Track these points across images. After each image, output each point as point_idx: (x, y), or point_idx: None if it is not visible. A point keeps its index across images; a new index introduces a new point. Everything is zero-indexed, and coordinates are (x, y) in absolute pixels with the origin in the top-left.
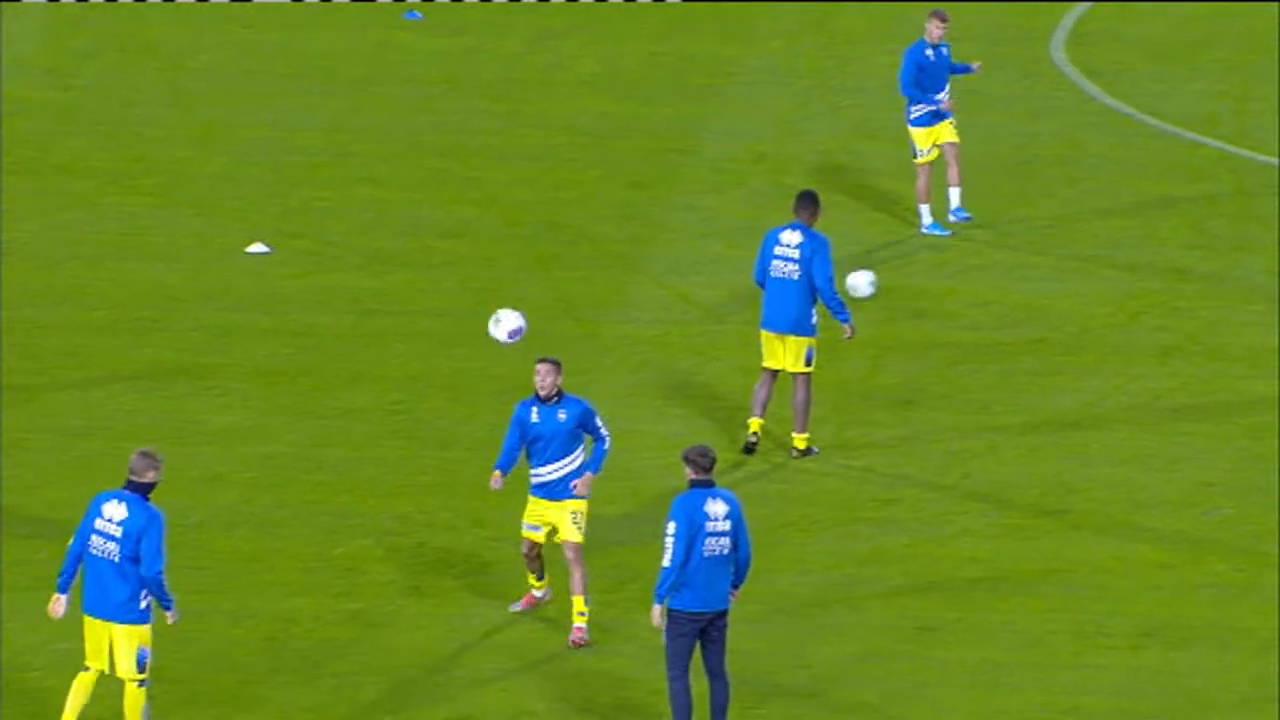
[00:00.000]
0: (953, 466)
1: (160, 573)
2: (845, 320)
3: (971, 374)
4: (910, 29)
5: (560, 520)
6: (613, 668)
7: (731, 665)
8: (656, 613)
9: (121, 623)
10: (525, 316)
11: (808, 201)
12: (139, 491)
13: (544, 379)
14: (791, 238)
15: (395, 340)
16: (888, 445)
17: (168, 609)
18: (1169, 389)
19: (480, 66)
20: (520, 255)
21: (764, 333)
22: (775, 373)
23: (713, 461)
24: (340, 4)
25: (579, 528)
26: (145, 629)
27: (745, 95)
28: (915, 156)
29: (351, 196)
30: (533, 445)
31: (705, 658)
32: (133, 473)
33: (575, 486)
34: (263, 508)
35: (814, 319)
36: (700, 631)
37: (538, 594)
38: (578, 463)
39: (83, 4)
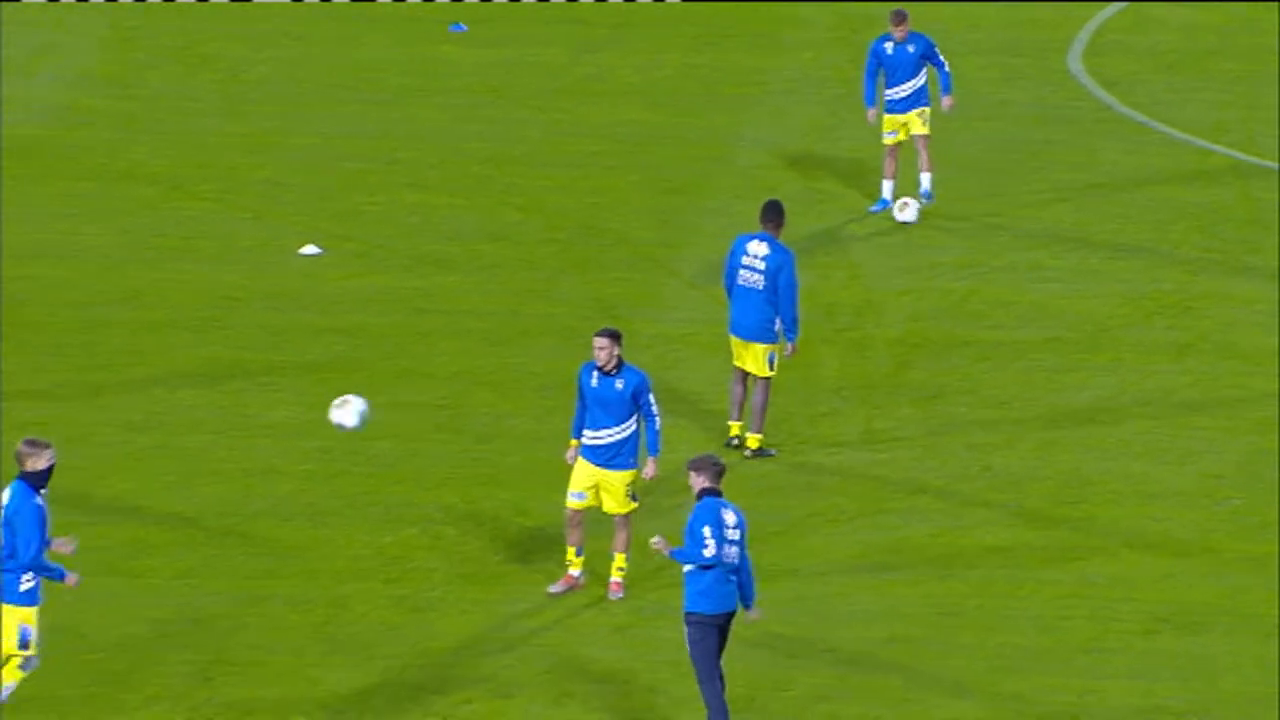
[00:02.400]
0: (975, 459)
1: (32, 559)
2: (792, 339)
3: (993, 371)
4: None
5: (612, 488)
6: (649, 653)
7: (759, 649)
8: (662, 543)
9: (4, 603)
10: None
11: (773, 213)
12: (26, 479)
13: (600, 353)
14: (758, 249)
15: (441, 339)
16: (913, 439)
17: (62, 579)
18: (1181, 385)
19: (522, 77)
20: (560, 258)
21: (731, 337)
22: (744, 374)
23: (724, 471)
24: (388, 18)
25: (631, 498)
26: (27, 610)
27: (776, 104)
28: (882, 139)
29: (399, 201)
30: (591, 410)
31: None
32: (19, 461)
33: (646, 471)
34: (316, 498)
35: (776, 326)
36: (719, 632)
37: (575, 574)
38: (630, 431)
39: (143, 17)
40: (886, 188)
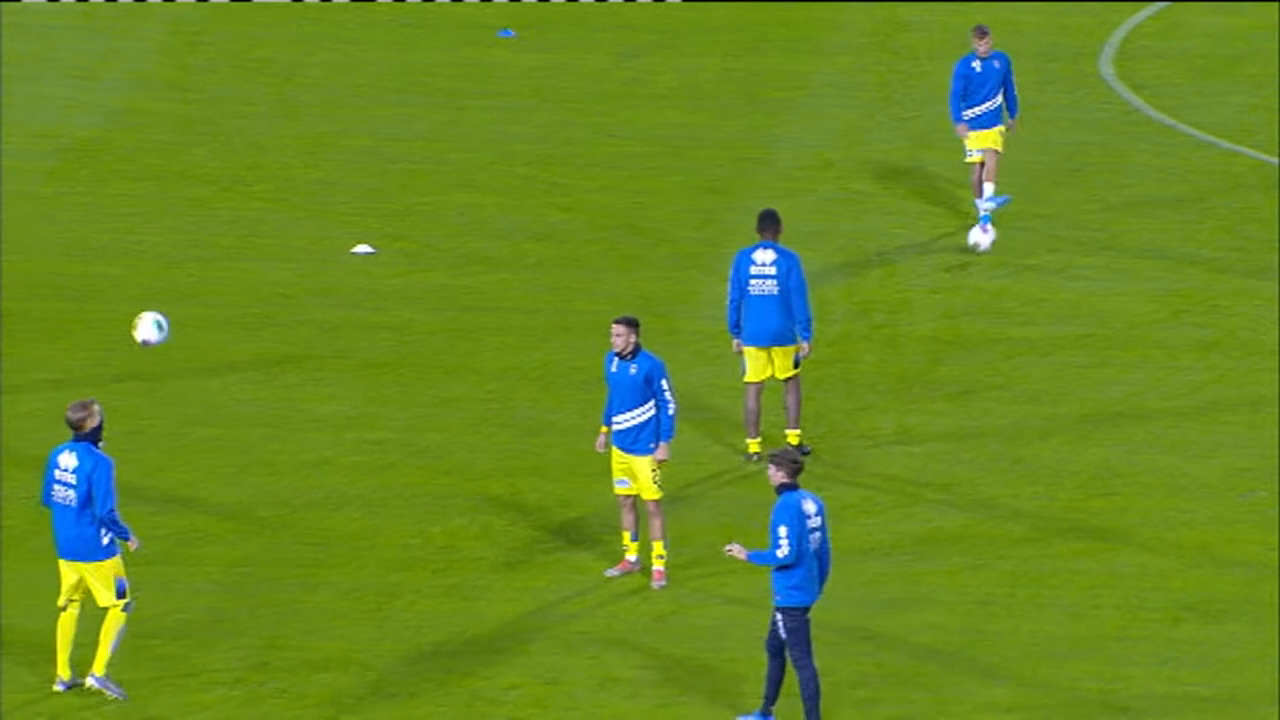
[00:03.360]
0: (1006, 453)
1: (112, 510)
2: (806, 338)
3: (1025, 367)
4: (968, 47)
5: (639, 474)
6: (690, 640)
7: None
8: (739, 550)
9: (91, 561)
10: (158, 328)
11: (771, 221)
12: (86, 438)
13: (617, 339)
14: (765, 256)
15: (489, 335)
16: (947, 433)
17: (127, 539)
18: (1208, 382)
19: (567, 81)
20: (604, 256)
21: (749, 348)
22: (761, 386)
23: (802, 467)
24: (439, 23)
25: (657, 484)
26: (116, 561)
27: (814, 107)
28: (966, 156)
29: (449, 202)
30: (611, 395)
31: (775, 638)
32: (72, 425)
33: (656, 454)
34: (367, 489)
35: (794, 328)
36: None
37: (630, 559)
38: (647, 415)
39: (202, 23)
40: (989, 189)
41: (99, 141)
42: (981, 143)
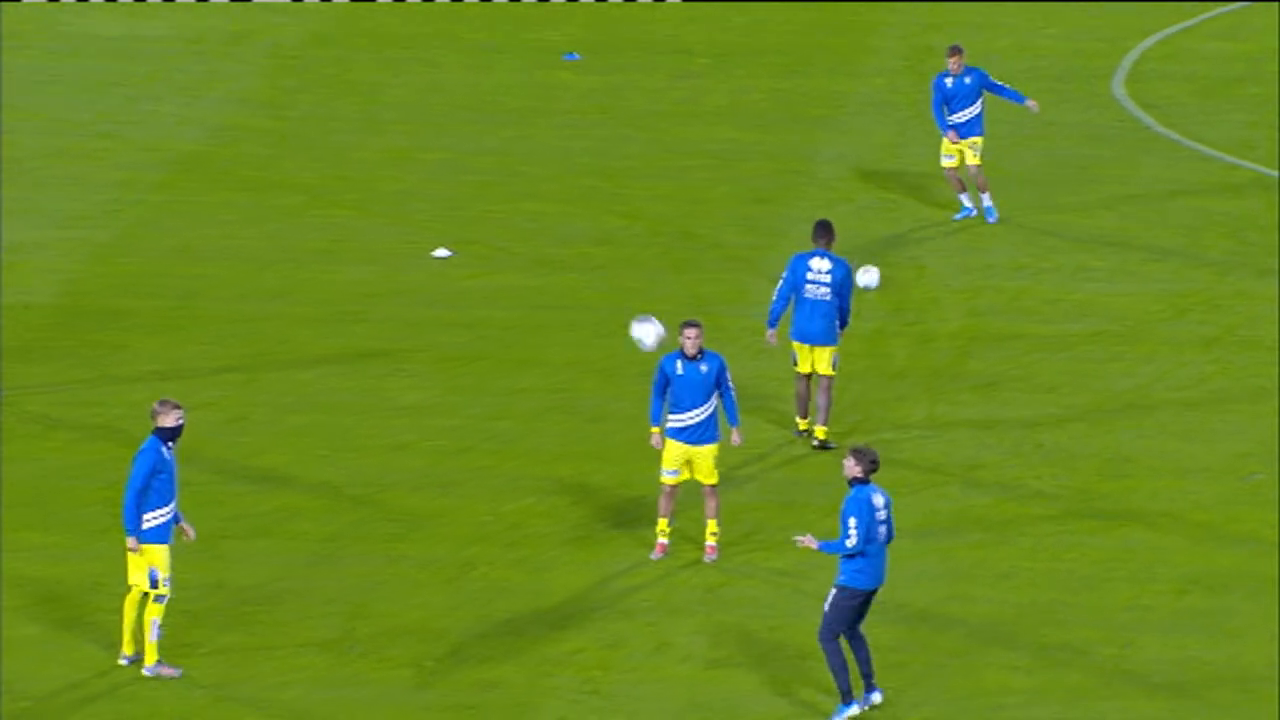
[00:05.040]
0: (1027, 438)
1: (131, 494)
2: (841, 328)
3: (1043, 361)
4: (990, 68)
5: (702, 460)
6: (739, 607)
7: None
8: (810, 540)
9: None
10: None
11: (826, 230)
12: (156, 434)
13: (690, 342)
14: (822, 264)
15: (555, 331)
16: (972, 421)
17: (129, 535)
18: (1212, 374)
19: (627, 100)
20: (659, 260)
21: (797, 343)
22: (809, 376)
23: (878, 465)
24: (511, 47)
25: (716, 469)
26: (149, 549)
27: (852, 124)
28: (941, 162)
29: (519, 210)
30: (678, 395)
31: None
32: (151, 418)
33: (734, 440)
34: (444, 471)
35: (837, 329)
36: (863, 604)
37: (665, 542)
38: (714, 409)
39: (298, 49)
40: (964, 199)
41: (202, 155)
42: (952, 150)
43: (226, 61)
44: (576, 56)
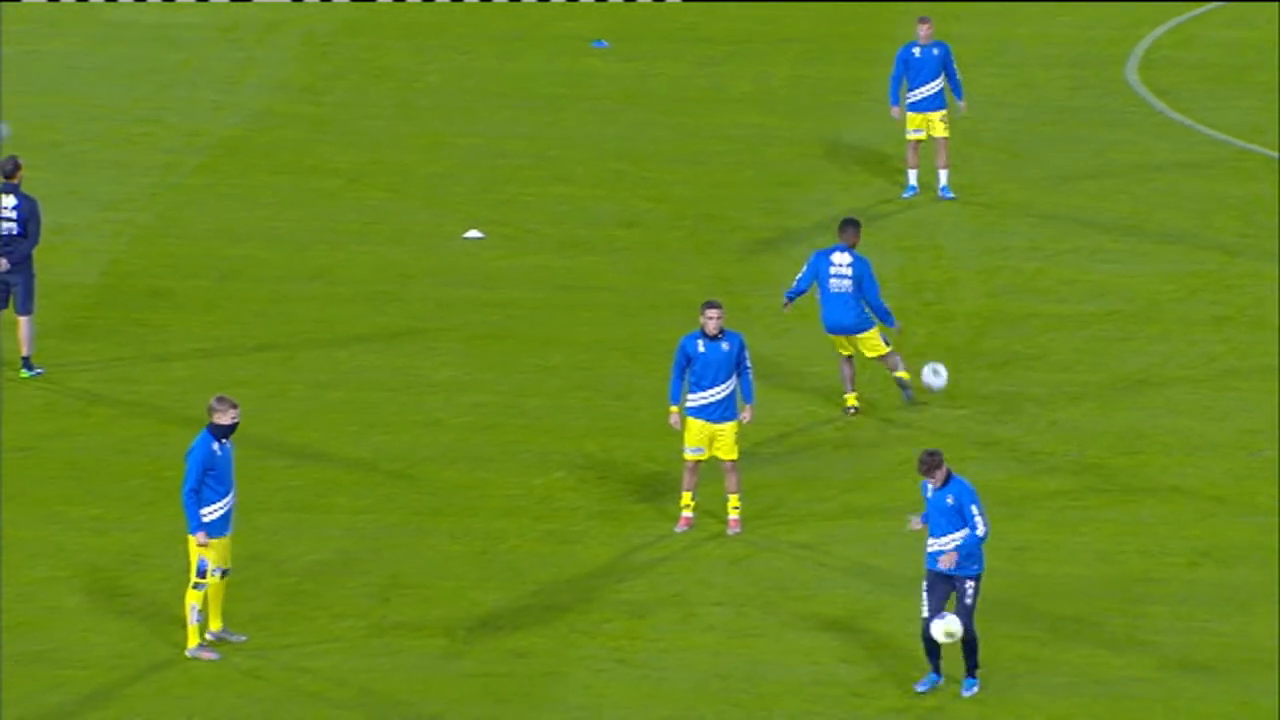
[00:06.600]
0: (1042, 415)
1: (185, 493)
2: (892, 324)
3: (1058, 340)
4: (1009, 55)
5: (723, 437)
6: (761, 580)
7: (857, 579)
8: (952, 557)
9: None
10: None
11: (851, 228)
12: (210, 429)
13: (712, 322)
14: (842, 259)
15: (583, 310)
16: (990, 398)
17: (193, 532)
18: (1221, 353)
19: (654, 87)
20: (685, 241)
21: (831, 335)
22: (850, 357)
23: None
24: (541, 35)
25: (737, 445)
26: (193, 538)
27: (872, 110)
28: (906, 135)
29: (548, 193)
30: (700, 373)
31: (963, 607)
32: (208, 414)
33: (744, 416)
34: (475, 446)
35: (867, 314)
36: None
37: (689, 515)
38: (734, 386)
39: (333, 36)
40: (912, 176)
41: (241, 139)
42: (920, 124)
43: (262, 49)
44: (605, 44)
